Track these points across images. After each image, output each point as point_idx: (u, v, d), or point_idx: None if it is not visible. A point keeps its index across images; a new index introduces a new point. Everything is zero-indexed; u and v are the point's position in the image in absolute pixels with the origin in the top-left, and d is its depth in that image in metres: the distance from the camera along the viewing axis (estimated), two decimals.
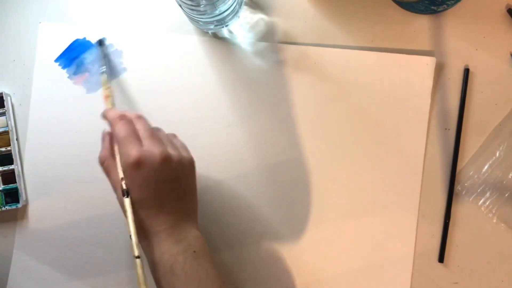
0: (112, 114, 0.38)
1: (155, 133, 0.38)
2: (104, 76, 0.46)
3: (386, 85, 0.47)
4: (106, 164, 0.38)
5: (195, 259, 0.35)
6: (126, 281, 0.47)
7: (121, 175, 0.36)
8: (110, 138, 0.39)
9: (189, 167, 0.38)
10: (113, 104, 0.42)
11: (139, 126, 0.38)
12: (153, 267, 0.36)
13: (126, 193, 0.35)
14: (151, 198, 0.36)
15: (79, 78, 0.49)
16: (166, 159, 0.35)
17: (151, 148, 0.35)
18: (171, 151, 0.37)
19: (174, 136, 0.42)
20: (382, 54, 0.47)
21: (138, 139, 0.36)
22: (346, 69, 0.47)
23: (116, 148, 0.38)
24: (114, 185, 0.37)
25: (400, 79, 0.47)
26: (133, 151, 0.35)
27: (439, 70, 0.47)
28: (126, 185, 0.35)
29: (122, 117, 0.38)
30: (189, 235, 0.37)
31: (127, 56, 0.49)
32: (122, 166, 0.36)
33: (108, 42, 0.49)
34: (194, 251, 0.36)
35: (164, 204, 0.36)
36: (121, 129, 0.36)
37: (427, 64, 0.46)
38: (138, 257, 0.34)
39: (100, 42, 0.48)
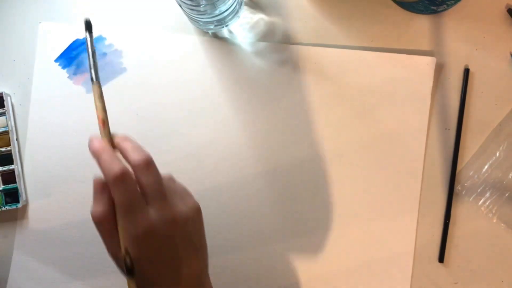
0: (107, 161, 0.30)
1: (159, 188, 0.31)
2: (96, 86, 0.32)
3: (386, 85, 0.47)
4: (105, 227, 0.31)
5: None
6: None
7: (123, 248, 0.30)
8: (109, 193, 0.31)
9: (198, 218, 0.34)
10: (109, 132, 0.33)
11: (144, 180, 0.30)
12: None
13: (129, 272, 0.29)
14: (164, 271, 0.31)
15: (79, 78, 0.49)
16: (177, 223, 0.31)
17: (161, 215, 0.30)
18: (181, 207, 0.32)
19: (172, 180, 0.34)
20: (382, 54, 0.47)
21: (143, 203, 0.30)
22: (346, 69, 0.47)
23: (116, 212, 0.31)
24: (114, 254, 0.31)
25: (400, 79, 0.47)
26: (143, 222, 0.29)
27: (439, 70, 0.47)
28: (131, 260, 0.29)
29: (122, 177, 0.29)
30: None
31: (127, 56, 0.49)
32: (128, 238, 0.29)
33: (108, 42, 0.49)
34: None
35: (179, 274, 0.31)
36: (122, 194, 0.29)
37: (427, 64, 0.46)
38: None
39: (87, 25, 0.33)
